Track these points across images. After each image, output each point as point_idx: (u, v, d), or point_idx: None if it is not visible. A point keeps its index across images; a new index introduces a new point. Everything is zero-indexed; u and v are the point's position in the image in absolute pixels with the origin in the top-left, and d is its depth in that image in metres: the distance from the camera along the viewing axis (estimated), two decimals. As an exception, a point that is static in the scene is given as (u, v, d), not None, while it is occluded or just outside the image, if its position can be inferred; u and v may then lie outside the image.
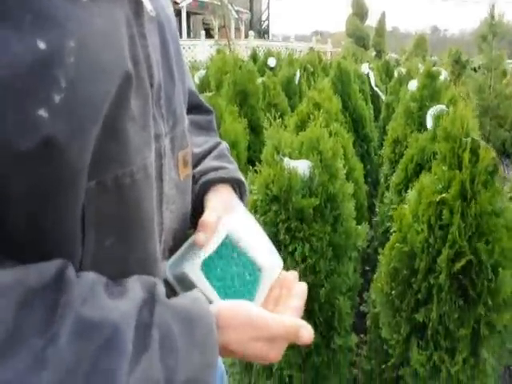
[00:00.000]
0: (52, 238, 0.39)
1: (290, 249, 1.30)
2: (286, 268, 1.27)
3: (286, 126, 2.03)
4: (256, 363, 1.37)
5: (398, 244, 1.32)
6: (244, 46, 13.55)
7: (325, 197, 1.33)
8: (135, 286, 0.43)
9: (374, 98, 4.74)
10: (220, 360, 0.79)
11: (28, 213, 0.38)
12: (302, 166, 1.32)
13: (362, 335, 1.73)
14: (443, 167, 1.31)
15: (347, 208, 1.39)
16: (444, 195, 1.26)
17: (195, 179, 0.66)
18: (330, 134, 1.45)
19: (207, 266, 0.56)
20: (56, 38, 0.36)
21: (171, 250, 0.59)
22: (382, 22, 16.93)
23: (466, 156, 1.25)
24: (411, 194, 1.41)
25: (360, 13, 17.24)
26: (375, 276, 1.45)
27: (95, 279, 0.40)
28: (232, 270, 0.59)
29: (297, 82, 4.27)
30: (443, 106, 2.13)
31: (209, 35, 15.59)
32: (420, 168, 2.00)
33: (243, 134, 2.67)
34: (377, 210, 2.39)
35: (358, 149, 3.01)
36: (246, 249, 0.60)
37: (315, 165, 1.32)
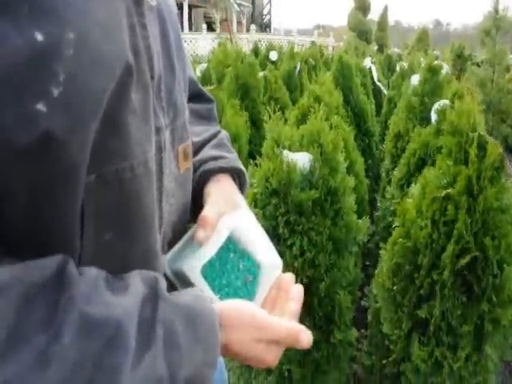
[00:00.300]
0: (51, 232, 0.39)
1: (289, 242, 1.29)
2: (285, 262, 1.27)
3: (286, 120, 2.02)
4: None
5: (400, 239, 1.31)
6: (246, 40, 13.51)
7: (325, 190, 1.32)
8: (137, 281, 0.43)
9: (376, 92, 4.72)
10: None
11: (27, 207, 0.37)
12: (303, 159, 1.31)
13: (362, 330, 1.73)
14: (448, 162, 1.30)
15: (348, 202, 1.37)
16: (449, 190, 1.24)
17: (194, 168, 0.64)
18: (331, 127, 1.43)
19: (207, 269, 0.56)
20: (54, 29, 0.35)
21: (170, 243, 0.58)
22: (384, 16, 16.87)
23: (473, 151, 1.23)
24: (415, 189, 1.40)
25: (362, 7, 17.18)
26: (377, 271, 1.44)
27: (97, 275, 0.40)
28: (232, 271, 0.58)
29: (296, 74, 4.25)
30: (447, 101, 2.12)
31: (210, 29, 15.55)
32: (423, 163, 1.99)
33: (244, 128, 2.65)
34: (378, 204, 2.38)
35: (360, 143, 2.99)
36: (246, 249, 0.60)
37: (315, 158, 1.31)
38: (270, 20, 26.55)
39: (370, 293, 1.51)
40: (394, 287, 1.30)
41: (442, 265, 1.22)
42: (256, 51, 6.56)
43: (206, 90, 0.81)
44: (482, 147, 1.26)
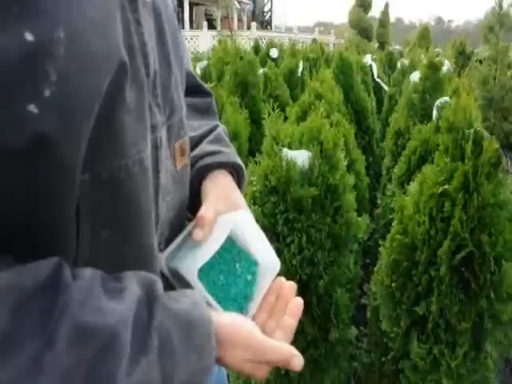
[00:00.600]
0: (47, 232, 0.39)
1: (288, 240, 1.29)
2: (284, 259, 1.27)
3: (287, 117, 2.02)
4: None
5: (398, 236, 1.31)
6: (247, 37, 13.48)
7: (325, 188, 1.31)
8: (133, 283, 0.42)
9: (377, 89, 4.71)
10: None
11: (22, 208, 0.37)
12: (302, 157, 1.30)
13: (362, 328, 1.72)
14: (445, 158, 1.30)
15: (348, 199, 1.37)
16: (446, 187, 1.24)
17: (191, 164, 0.64)
18: (331, 125, 1.43)
19: (205, 271, 0.55)
20: (44, 28, 0.34)
21: (168, 239, 0.58)
22: (385, 13, 16.81)
23: (469, 147, 1.23)
24: (413, 186, 1.40)
25: (363, 4, 17.11)
26: (376, 268, 1.44)
27: (92, 277, 0.40)
28: (230, 271, 0.58)
29: (299, 74, 4.24)
30: (447, 98, 2.11)
31: (211, 26, 15.53)
32: (423, 160, 1.98)
33: (244, 125, 2.65)
34: (379, 202, 2.37)
35: (360, 140, 2.99)
36: (244, 249, 0.59)
37: (315, 155, 1.30)
38: (270, 17, 26.49)
39: (369, 290, 1.51)
40: (393, 284, 1.30)
41: (439, 261, 1.22)
42: (257, 48, 6.55)
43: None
44: (478, 143, 1.25)
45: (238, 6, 19.15)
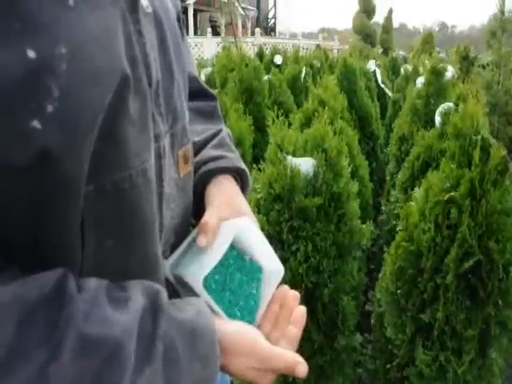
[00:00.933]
0: (52, 243, 0.39)
1: (294, 248, 1.29)
2: (290, 267, 1.27)
3: (291, 124, 2.02)
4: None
5: (403, 243, 1.31)
6: (251, 44, 13.53)
7: (329, 196, 1.31)
8: (137, 292, 0.43)
9: (381, 95, 4.71)
10: None
11: (27, 221, 0.37)
12: (306, 164, 1.30)
13: (366, 335, 1.72)
14: (452, 165, 1.29)
15: (352, 207, 1.37)
16: (452, 194, 1.24)
17: (195, 169, 0.64)
18: (335, 132, 1.43)
19: (210, 279, 0.55)
20: (46, 45, 0.34)
21: (173, 246, 0.58)
22: (389, 18, 16.81)
23: (476, 154, 1.23)
24: (418, 192, 1.39)
25: (367, 10, 17.13)
26: (380, 275, 1.43)
27: (97, 287, 0.40)
28: (235, 279, 0.58)
29: (302, 80, 4.25)
30: (451, 104, 2.11)
31: (215, 32, 15.58)
32: (427, 166, 1.98)
33: (248, 132, 2.65)
34: (383, 208, 2.37)
35: (364, 146, 2.98)
36: (248, 255, 0.59)
37: (319, 163, 1.31)
38: (274, 24, 26.57)
39: (373, 297, 1.50)
40: (398, 291, 1.30)
41: (446, 268, 1.21)
42: (261, 55, 6.57)
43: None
44: (485, 150, 1.25)
45: (242, 12, 19.23)
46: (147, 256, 0.48)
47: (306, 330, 1.29)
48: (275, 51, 5.84)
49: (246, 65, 3.28)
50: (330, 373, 1.37)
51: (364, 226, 1.40)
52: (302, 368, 0.51)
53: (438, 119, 2.09)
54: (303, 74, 4.28)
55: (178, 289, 0.58)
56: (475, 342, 1.23)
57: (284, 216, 1.30)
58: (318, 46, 11.12)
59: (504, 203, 1.22)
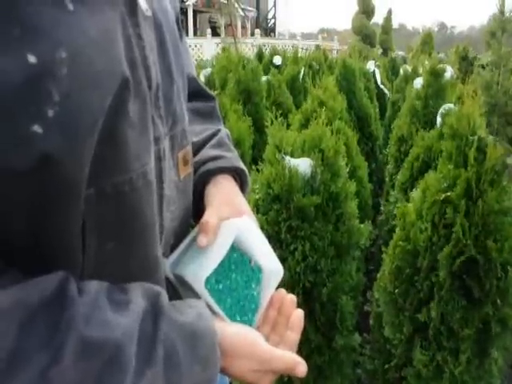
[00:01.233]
0: (53, 246, 0.39)
1: (292, 248, 1.29)
2: (288, 267, 1.27)
3: (289, 125, 2.03)
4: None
5: (400, 242, 1.31)
6: (250, 44, 13.54)
7: (327, 195, 1.32)
8: (138, 295, 0.43)
9: (380, 95, 4.71)
10: None
11: (29, 224, 0.37)
12: (304, 165, 1.31)
13: (365, 335, 1.72)
14: (448, 165, 1.30)
15: (350, 207, 1.38)
16: (448, 194, 1.24)
17: (194, 169, 0.64)
18: (333, 132, 1.43)
19: (211, 280, 0.55)
20: (46, 49, 0.34)
21: (173, 247, 0.58)
22: (388, 19, 16.82)
23: (472, 154, 1.23)
24: (416, 193, 1.40)
25: (366, 10, 17.15)
26: (379, 275, 1.44)
27: (98, 290, 0.40)
28: (235, 279, 0.58)
29: (301, 80, 4.25)
30: (452, 105, 2.11)
31: (215, 33, 15.60)
32: (426, 166, 1.98)
33: (247, 133, 2.66)
34: (382, 208, 2.37)
35: (363, 147, 2.98)
36: (249, 255, 0.59)
37: (317, 163, 1.31)
38: (274, 24, 26.58)
39: (372, 297, 1.51)
40: (395, 291, 1.30)
41: (439, 266, 1.22)
42: (260, 56, 6.57)
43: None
44: (481, 150, 1.26)
45: (241, 13, 19.24)
46: (148, 258, 0.48)
47: (304, 330, 1.29)
48: (274, 52, 5.85)
49: (244, 66, 3.29)
50: (329, 373, 1.37)
51: (362, 225, 1.40)
52: (301, 368, 0.52)
53: (439, 120, 2.10)
54: (301, 75, 4.28)
55: (178, 288, 0.58)
56: (471, 341, 1.24)
57: (282, 216, 1.30)
58: (317, 46, 11.13)
59: (501, 203, 1.23)
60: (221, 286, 0.56)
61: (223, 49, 5.94)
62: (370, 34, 16.74)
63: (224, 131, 0.74)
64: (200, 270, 0.54)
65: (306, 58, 5.83)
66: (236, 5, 14.61)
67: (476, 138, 1.26)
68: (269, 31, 25.58)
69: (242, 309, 0.57)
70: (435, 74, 2.58)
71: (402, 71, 4.75)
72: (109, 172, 0.41)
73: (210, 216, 0.58)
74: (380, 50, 14.72)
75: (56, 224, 0.38)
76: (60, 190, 0.37)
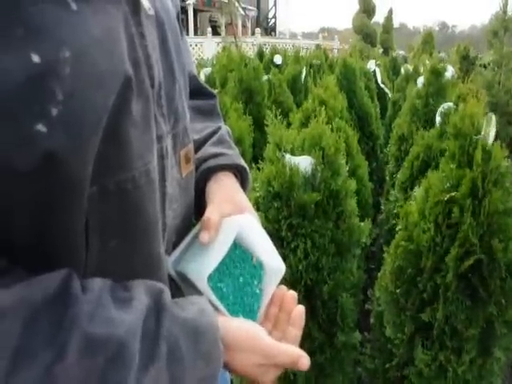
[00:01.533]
0: (57, 244, 0.39)
1: (293, 245, 1.29)
2: (289, 265, 1.27)
3: (290, 124, 2.03)
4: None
5: (403, 242, 1.31)
6: (251, 44, 13.54)
7: (327, 193, 1.32)
8: (141, 292, 0.43)
9: (381, 95, 4.71)
10: None
11: (32, 222, 0.37)
12: (304, 163, 1.31)
13: (366, 333, 1.72)
14: (451, 165, 1.29)
15: (350, 205, 1.37)
16: (453, 193, 1.24)
17: (195, 167, 0.64)
18: (333, 131, 1.43)
19: (213, 277, 0.56)
20: (50, 49, 0.34)
21: (175, 245, 0.59)
22: (389, 18, 16.81)
23: (478, 154, 1.23)
24: (418, 192, 1.40)
25: (367, 9, 17.14)
26: (380, 274, 1.43)
27: (101, 287, 0.40)
28: (237, 276, 0.58)
29: (303, 80, 4.25)
30: (451, 104, 2.11)
31: (216, 32, 15.60)
32: (426, 165, 1.98)
33: (248, 132, 2.66)
34: (382, 207, 2.37)
35: (364, 146, 2.98)
36: (251, 252, 0.59)
37: (317, 161, 1.31)
38: (275, 23, 26.59)
39: (373, 296, 1.51)
40: (397, 290, 1.30)
41: (446, 268, 1.21)
42: (261, 55, 6.57)
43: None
44: (485, 150, 1.25)
45: (242, 12, 19.25)
46: (151, 255, 0.48)
47: (306, 328, 1.29)
48: (275, 51, 5.84)
49: (246, 65, 3.29)
50: (330, 370, 1.37)
51: (362, 223, 1.40)
52: (304, 361, 0.52)
53: (438, 119, 2.09)
54: (304, 75, 4.28)
55: (180, 284, 0.58)
56: (475, 341, 1.23)
57: (283, 214, 1.30)
58: (318, 45, 11.13)
59: (505, 203, 1.22)
60: (223, 283, 0.57)
61: (224, 48, 5.94)
62: (370, 34, 16.73)
63: (225, 129, 0.74)
64: (202, 267, 0.54)
65: (307, 57, 5.83)
66: (236, 4, 14.61)
67: (480, 137, 1.26)
68: (269, 30, 25.58)
69: (244, 305, 0.58)
70: (436, 73, 2.57)
71: (402, 71, 4.75)
72: (112, 170, 0.41)
73: (211, 213, 0.58)
74: (381, 50, 14.71)
75: (59, 222, 0.38)
76: (63, 189, 0.37)
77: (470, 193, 1.22)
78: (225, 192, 0.64)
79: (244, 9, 19.87)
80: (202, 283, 0.53)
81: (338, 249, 1.35)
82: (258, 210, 1.34)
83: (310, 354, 0.54)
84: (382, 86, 4.81)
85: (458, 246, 1.21)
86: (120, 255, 0.44)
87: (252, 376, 0.51)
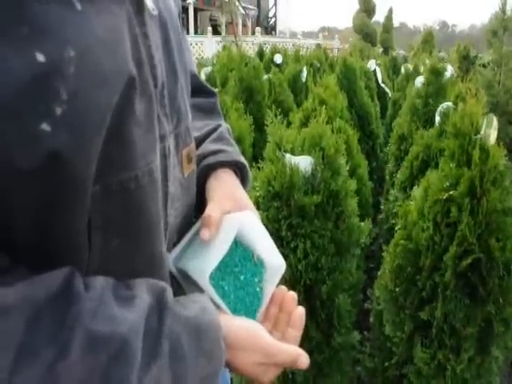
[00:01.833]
0: (59, 243, 0.39)
1: (292, 245, 1.29)
2: (289, 264, 1.27)
3: (291, 123, 2.03)
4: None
5: (402, 241, 1.32)
6: (251, 43, 13.52)
7: (327, 193, 1.32)
8: (143, 291, 0.43)
9: (381, 94, 4.71)
10: None
11: (36, 221, 0.37)
12: (304, 163, 1.31)
13: (365, 333, 1.72)
14: (451, 164, 1.30)
15: (350, 205, 1.38)
16: (452, 193, 1.24)
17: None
18: (333, 131, 1.44)
19: (215, 275, 0.56)
20: (55, 48, 0.34)
21: (176, 243, 0.59)
22: (389, 17, 16.79)
23: (476, 153, 1.23)
24: (417, 191, 1.40)
25: (367, 9, 17.13)
26: (379, 273, 1.44)
27: (103, 286, 0.40)
28: (238, 274, 0.58)
29: (304, 80, 4.25)
30: (450, 104, 2.11)
31: (216, 31, 15.57)
32: (425, 165, 1.98)
33: (248, 131, 2.66)
34: (382, 207, 2.37)
35: (364, 146, 2.99)
36: (251, 249, 0.60)
37: (317, 161, 1.31)
38: (275, 23, 26.55)
39: (372, 295, 1.51)
40: (397, 289, 1.31)
41: (444, 266, 1.22)
42: (261, 54, 6.56)
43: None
44: (484, 149, 1.26)
45: (242, 11, 19.21)
46: (153, 255, 0.49)
47: (305, 328, 1.29)
48: (275, 50, 5.84)
49: (246, 64, 3.29)
50: (329, 370, 1.37)
51: (362, 223, 1.41)
52: (304, 359, 0.53)
53: (437, 119, 2.10)
54: (305, 74, 4.28)
55: (181, 282, 0.58)
56: (474, 339, 1.24)
57: (283, 213, 1.31)
58: (318, 45, 11.12)
59: (503, 203, 1.23)
60: (225, 282, 0.57)
61: (224, 47, 5.94)
62: (370, 33, 16.72)
63: (224, 126, 0.74)
64: (204, 265, 0.55)
65: (307, 56, 5.83)
66: (237, 3, 14.59)
67: (479, 137, 1.26)
68: (270, 30, 25.55)
69: (245, 303, 0.58)
70: (436, 73, 2.58)
71: (403, 70, 4.75)
72: (115, 169, 0.41)
73: (211, 210, 0.59)
74: (381, 49, 14.69)
75: (62, 221, 0.38)
76: (67, 188, 0.37)
77: (469, 192, 1.22)
78: (225, 189, 0.64)
79: (244, 8, 19.84)
80: (204, 281, 0.54)
81: (338, 249, 1.36)
82: (258, 209, 1.34)
83: (309, 353, 0.54)
84: (383, 85, 4.81)
85: (457, 244, 1.21)
86: (122, 254, 0.44)
87: (252, 375, 0.51)
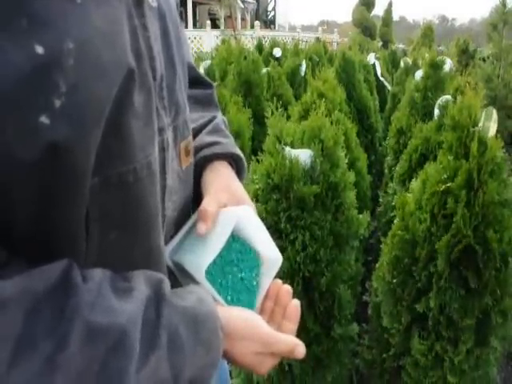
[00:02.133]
0: (58, 235, 0.39)
1: (291, 237, 1.30)
2: (288, 256, 1.28)
3: (290, 116, 2.03)
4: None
5: (399, 232, 1.32)
6: (250, 36, 13.47)
7: (326, 185, 1.32)
8: (141, 282, 0.43)
9: (381, 88, 4.70)
10: None
11: (34, 214, 0.37)
12: (304, 155, 1.31)
13: (364, 325, 1.74)
14: (449, 156, 1.30)
15: (348, 197, 1.38)
16: (449, 184, 1.25)
17: None
18: (332, 123, 1.44)
19: (211, 269, 0.56)
20: (54, 40, 0.34)
21: (173, 236, 0.59)
22: (388, 11, 16.72)
23: (474, 146, 1.23)
24: (415, 183, 1.41)
25: (367, 2, 17.06)
26: (377, 264, 1.45)
27: (102, 278, 0.41)
28: (235, 267, 0.58)
29: (303, 74, 4.24)
30: (449, 97, 2.11)
31: (215, 25, 15.51)
32: (424, 158, 1.99)
33: (247, 125, 2.66)
34: (380, 200, 2.38)
35: (363, 139, 2.99)
36: (248, 243, 0.60)
37: (316, 154, 1.32)
38: (274, 16, 26.42)
39: (370, 287, 1.52)
40: (394, 280, 1.31)
41: (437, 255, 1.22)
42: (260, 48, 6.54)
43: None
44: (482, 142, 1.26)
45: (241, 5, 19.11)
46: (151, 247, 0.49)
47: (304, 320, 1.30)
48: (274, 44, 5.82)
49: (245, 58, 3.28)
50: (328, 362, 1.38)
51: (361, 216, 1.41)
52: (300, 349, 0.53)
53: (436, 112, 2.10)
54: (304, 67, 4.27)
55: (177, 275, 0.58)
56: (472, 331, 1.25)
57: (282, 206, 1.31)
58: (317, 38, 11.09)
59: (501, 194, 1.23)
60: (221, 275, 0.57)
61: (223, 41, 5.92)
62: (370, 27, 16.67)
63: (220, 117, 0.74)
64: (200, 259, 0.55)
65: (306, 50, 5.81)
66: (236, -4, 14.51)
67: (477, 129, 1.27)
68: (268, 23, 25.43)
69: (241, 296, 0.58)
70: (434, 67, 2.58)
71: (402, 64, 4.74)
72: (113, 162, 0.41)
73: (208, 204, 0.58)
74: (380, 43, 14.65)
75: (60, 213, 0.39)
76: (66, 180, 0.37)
77: (466, 184, 1.23)
78: (221, 181, 0.64)
79: (243, 1, 19.74)
80: (200, 275, 0.54)
81: (337, 241, 1.36)
82: (257, 202, 1.35)
83: (308, 345, 0.55)
84: (382, 79, 4.80)
85: (451, 235, 1.22)
86: (120, 247, 0.45)
87: (249, 365, 0.52)
